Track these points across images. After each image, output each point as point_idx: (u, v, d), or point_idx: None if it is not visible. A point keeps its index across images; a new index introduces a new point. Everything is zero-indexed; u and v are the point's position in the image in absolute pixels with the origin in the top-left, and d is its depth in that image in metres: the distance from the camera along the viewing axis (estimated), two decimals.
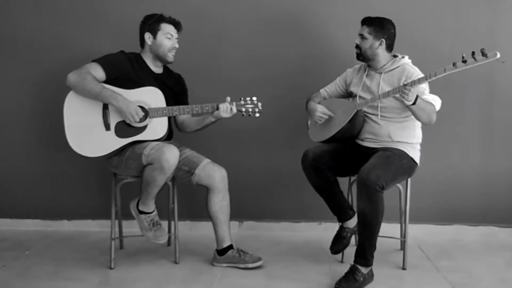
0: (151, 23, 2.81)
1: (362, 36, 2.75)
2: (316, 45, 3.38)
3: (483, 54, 2.24)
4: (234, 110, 2.77)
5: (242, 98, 2.81)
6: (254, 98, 2.82)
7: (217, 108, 2.75)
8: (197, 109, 2.77)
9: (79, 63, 2.73)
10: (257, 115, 2.83)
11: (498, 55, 2.21)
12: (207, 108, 2.77)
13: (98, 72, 2.70)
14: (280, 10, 3.38)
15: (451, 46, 3.29)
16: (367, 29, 2.74)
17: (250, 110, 2.81)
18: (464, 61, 2.29)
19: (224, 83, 3.36)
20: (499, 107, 3.36)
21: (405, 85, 2.46)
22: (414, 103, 2.49)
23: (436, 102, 2.76)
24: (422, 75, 2.64)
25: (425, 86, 2.64)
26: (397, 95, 2.55)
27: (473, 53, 2.27)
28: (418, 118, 2.62)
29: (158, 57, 2.85)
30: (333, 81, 3.01)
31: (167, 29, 2.82)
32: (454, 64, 2.33)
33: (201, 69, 3.39)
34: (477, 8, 3.30)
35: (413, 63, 2.77)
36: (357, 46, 2.78)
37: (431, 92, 2.72)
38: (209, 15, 3.40)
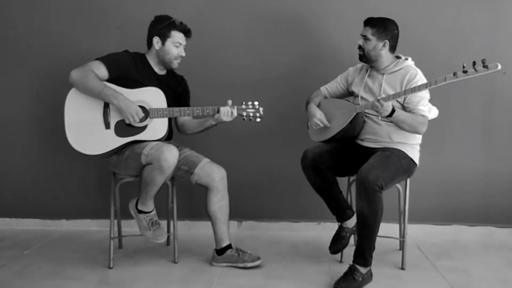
0: (162, 27, 2.78)
1: (365, 37, 2.72)
2: (316, 46, 3.38)
3: (484, 66, 2.24)
4: (235, 114, 2.75)
5: (244, 102, 2.78)
6: (256, 103, 2.79)
7: (218, 111, 2.74)
8: (198, 111, 2.75)
9: (81, 63, 2.72)
10: (258, 120, 2.79)
11: (499, 67, 2.22)
12: (208, 110, 2.75)
13: (101, 70, 2.70)
14: (281, 12, 3.38)
15: (451, 48, 3.29)
16: (371, 30, 2.71)
17: (251, 114, 2.78)
18: (465, 71, 2.30)
19: (225, 84, 3.36)
20: (499, 107, 3.36)
21: (378, 99, 2.48)
22: (390, 115, 2.52)
23: (431, 113, 2.76)
24: (424, 79, 2.66)
25: (423, 96, 2.64)
26: (370, 110, 2.60)
27: (474, 63, 2.27)
28: (401, 129, 2.64)
29: (163, 63, 2.84)
30: (335, 79, 3.00)
31: (177, 37, 2.79)
32: (454, 74, 2.34)
33: (201, 71, 3.37)
34: (477, 10, 3.30)
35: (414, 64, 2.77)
36: (360, 47, 2.75)
37: (433, 93, 2.71)
38: (210, 17, 3.40)
